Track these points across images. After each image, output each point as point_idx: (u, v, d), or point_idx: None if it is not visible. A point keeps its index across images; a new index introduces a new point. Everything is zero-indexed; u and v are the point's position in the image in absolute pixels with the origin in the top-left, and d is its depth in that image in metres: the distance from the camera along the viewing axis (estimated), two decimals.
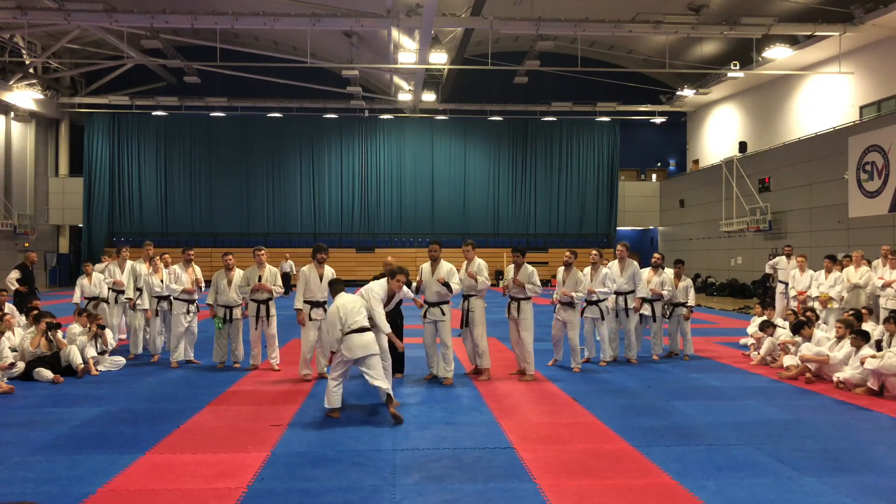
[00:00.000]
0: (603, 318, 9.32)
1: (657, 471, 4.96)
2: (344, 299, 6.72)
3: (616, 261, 9.85)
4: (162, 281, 9.76)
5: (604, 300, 9.30)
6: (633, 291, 9.63)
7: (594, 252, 9.36)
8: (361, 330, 6.48)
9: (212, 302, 9.13)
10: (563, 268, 9.02)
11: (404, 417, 6.34)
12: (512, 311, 8.49)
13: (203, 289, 9.85)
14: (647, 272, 9.94)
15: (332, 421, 6.29)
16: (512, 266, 8.60)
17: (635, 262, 9.80)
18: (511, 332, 8.70)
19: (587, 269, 9.31)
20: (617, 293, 9.63)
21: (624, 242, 10.05)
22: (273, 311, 8.95)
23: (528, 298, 8.46)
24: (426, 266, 8.34)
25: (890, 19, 19.34)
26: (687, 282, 10.11)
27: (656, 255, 10.21)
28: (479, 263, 8.41)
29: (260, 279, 8.84)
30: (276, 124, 31.75)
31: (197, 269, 9.80)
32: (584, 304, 9.33)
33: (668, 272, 10.10)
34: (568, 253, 9.01)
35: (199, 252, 10.96)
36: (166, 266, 10.00)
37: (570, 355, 9.08)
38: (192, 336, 9.61)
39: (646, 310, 9.82)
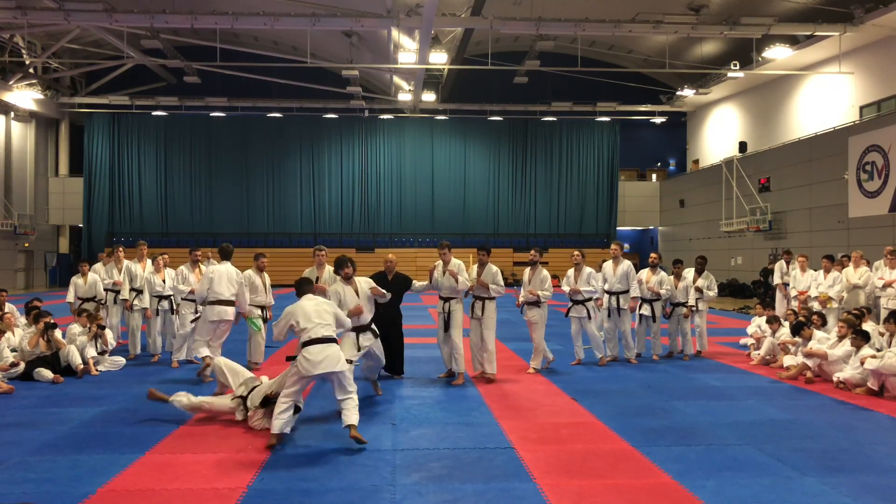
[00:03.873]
0: (590, 318, 9.20)
1: (657, 471, 4.96)
2: (307, 303, 5.87)
3: (611, 260, 9.80)
4: (164, 281, 9.78)
5: (589, 299, 9.20)
6: (626, 291, 9.56)
7: (576, 252, 9.29)
8: (325, 340, 5.65)
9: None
10: (528, 268, 8.87)
11: (403, 417, 6.35)
12: (476, 310, 8.33)
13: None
14: (645, 272, 9.95)
15: (333, 421, 6.25)
16: (476, 265, 8.43)
17: (628, 262, 9.74)
18: (472, 333, 8.46)
19: (570, 271, 9.26)
20: (610, 293, 9.58)
21: (617, 241, 10.02)
22: None
23: (493, 298, 8.33)
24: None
25: (890, 19, 19.34)
26: (686, 281, 10.11)
27: (653, 254, 10.22)
28: (459, 264, 8.27)
29: (317, 280, 8.45)
30: (276, 124, 31.75)
31: (204, 269, 9.78)
32: (571, 304, 9.28)
33: (689, 272, 10.16)
34: (533, 252, 8.91)
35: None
36: (165, 266, 10.01)
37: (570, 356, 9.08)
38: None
39: (645, 310, 9.81)
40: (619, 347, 9.87)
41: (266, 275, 9.52)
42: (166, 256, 10.38)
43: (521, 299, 8.91)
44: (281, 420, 5.50)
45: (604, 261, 10.06)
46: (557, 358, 9.41)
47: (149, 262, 10.34)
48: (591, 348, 9.53)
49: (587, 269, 9.21)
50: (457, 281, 8.09)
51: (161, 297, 9.89)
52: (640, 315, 9.88)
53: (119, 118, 31.32)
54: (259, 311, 9.23)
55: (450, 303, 8.22)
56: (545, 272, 8.83)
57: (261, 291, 9.37)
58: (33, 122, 29.48)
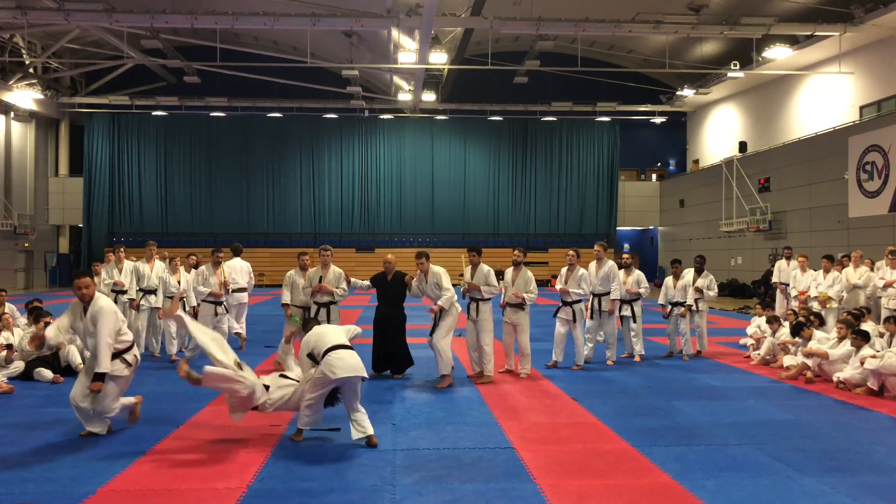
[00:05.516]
0: (575, 321, 8.94)
1: (657, 471, 4.96)
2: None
3: (595, 261, 9.64)
4: (178, 282, 9.80)
5: (578, 301, 8.98)
6: (609, 293, 9.42)
7: (571, 252, 9.07)
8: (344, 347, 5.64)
9: (287, 301, 8.79)
10: (511, 268, 8.66)
11: (403, 417, 6.37)
12: (471, 312, 8.28)
13: (230, 291, 9.90)
14: (620, 273, 9.70)
15: (333, 421, 6.22)
16: (469, 267, 8.34)
17: (611, 263, 9.60)
18: (468, 334, 8.42)
19: (564, 269, 9.15)
20: (593, 294, 9.47)
21: (601, 242, 9.80)
22: (336, 314, 8.46)
23: (487, 300, 8.27)
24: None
25: (890, 19, 19.35)
26: (685, 281, 10.10)
27: (625, 255, 10.14)
28: (438, 273, 8.14)
29: (321, 280, 8.44)
30: (276, 124, 31.76)
31: (226, 270, 9.78)
32: (560, 306, 9.13)
33: (689, 273, 10.11)
34: (517, 252, 8.69)
35: (199, 252, 11.16)
36: (196, 266, 10.01)
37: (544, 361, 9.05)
38: (223, 337, 9.67)
39: (625, 311, 9.74)
40: (620, 347, 9.85)
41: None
42: (193, 258, 10.44)
43: (503, 300, 8.66)
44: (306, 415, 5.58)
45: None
46: (541, 357, 9.36)
47: (157, 262, 10.33)
48: (529, 354, 9.05)
49: (580, 271, 8.96)
50: (434, 301, 8.10)
51: (171, 298, 9.94)
52: (621, 316, 9.82)
53: (119, 118, 31.30)
54: (302, 312, 8.66)
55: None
56: (529, 273, 8.64)
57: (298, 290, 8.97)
58: (33, 122, 29.46)
